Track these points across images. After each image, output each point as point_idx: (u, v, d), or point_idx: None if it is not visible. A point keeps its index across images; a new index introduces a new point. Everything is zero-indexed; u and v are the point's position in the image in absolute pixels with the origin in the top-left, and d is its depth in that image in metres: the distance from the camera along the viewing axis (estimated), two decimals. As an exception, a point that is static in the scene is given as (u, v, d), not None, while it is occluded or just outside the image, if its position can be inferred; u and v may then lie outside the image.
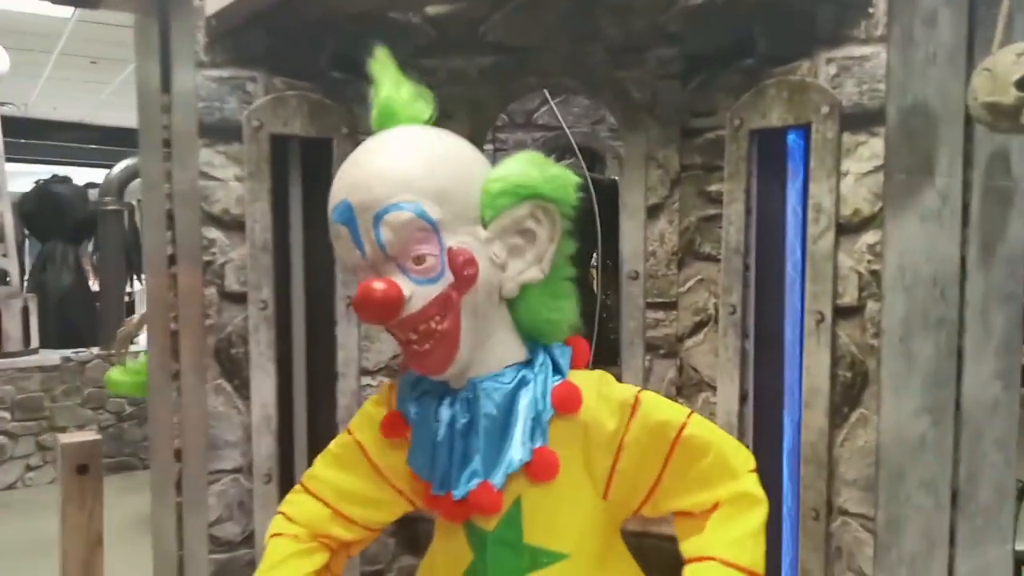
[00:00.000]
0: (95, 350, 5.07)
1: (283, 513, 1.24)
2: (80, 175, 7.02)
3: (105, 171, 5.32)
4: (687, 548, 1.07)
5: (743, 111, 1.44)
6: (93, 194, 5.54)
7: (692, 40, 1.54)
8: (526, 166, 1.07)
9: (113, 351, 2.93)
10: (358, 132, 1.63)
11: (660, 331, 1.63)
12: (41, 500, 4.68)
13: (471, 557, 1.09)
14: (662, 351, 1.63)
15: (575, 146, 2.34)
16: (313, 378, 1.65)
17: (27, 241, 7.19)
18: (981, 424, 1.48)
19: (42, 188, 6.02)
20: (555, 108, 2.35)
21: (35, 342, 5.01)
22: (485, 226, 1.06)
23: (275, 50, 1.54)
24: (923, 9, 1.28)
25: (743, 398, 1.50)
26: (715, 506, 1.05)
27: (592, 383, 1.09)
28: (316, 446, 1.65)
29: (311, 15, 1.56)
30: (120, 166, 5.17)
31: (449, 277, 1.02)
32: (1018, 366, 1.57)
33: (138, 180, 5.42)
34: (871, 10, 1.25)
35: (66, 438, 2.61)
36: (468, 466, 1.06)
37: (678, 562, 1.10)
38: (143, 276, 6.07)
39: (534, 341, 1.12)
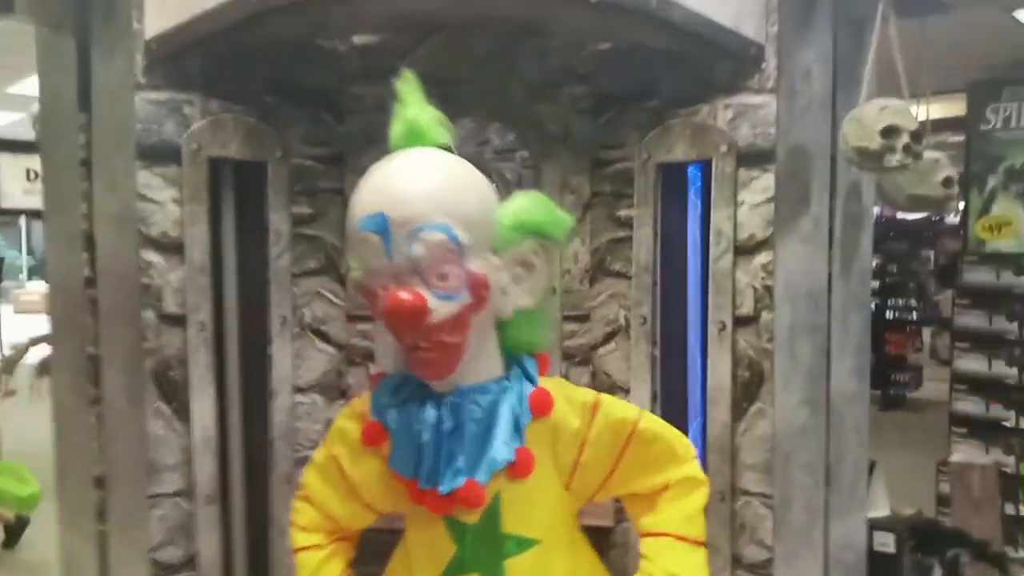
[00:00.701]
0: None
1: (296, 525, 1.34)
2: None
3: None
4: (643, 524, 1.25)
5: (651, 146, 1.64)
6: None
7: (602, 80, 1.72)
8: (535, 206, 1.20)
9: None
10: (291, 155, 1.69)
11: (575, 341, 1.80)
12: None
13: (454, 549, 1.20)
14: (577, 359, 1.80)
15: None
16: (248, 397, 1.67)
17: None
18: (843, 412, 1.76)
19: None
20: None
21: None
22: (496, 254, 1.17)
23: (211, 74, 1.57)
24: (801, 66, 1.53)
25: (653, 398, 1.70)
26: (665, 487, 1.22)
27: (558, 388, 1.24)
28: (253, 464, 1.69)
29: (244, 41, 1.59)
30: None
31: (467, 297, 1.12)
32: (868, 363, 1.88)
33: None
34: (763, 66, 1.48)
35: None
36: (452, 464, 1.17)
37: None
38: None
39: (508, 354, 1.24)
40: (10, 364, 2.73)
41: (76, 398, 1.76)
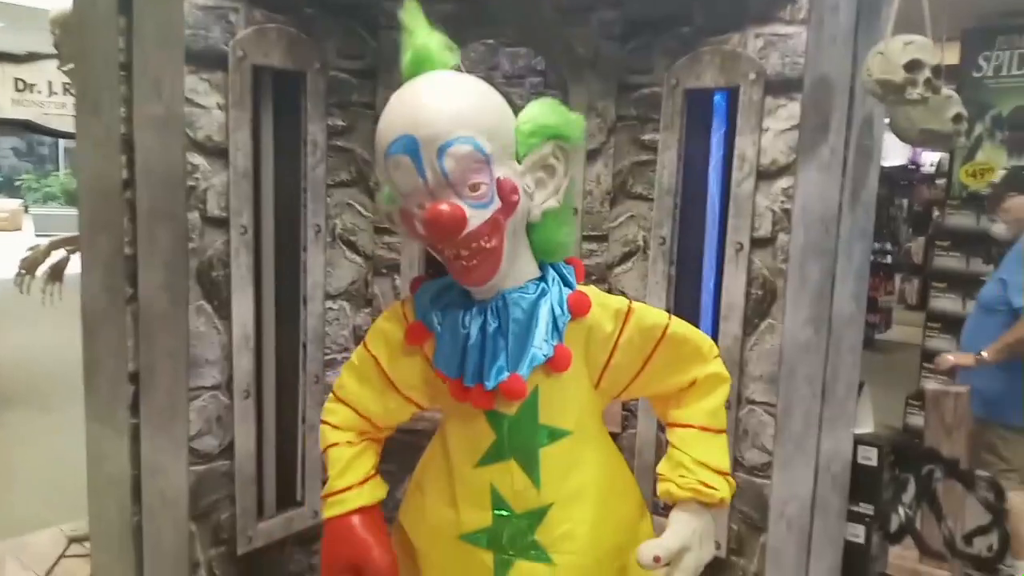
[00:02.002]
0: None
1: (328, 423, 1.40)
2: None
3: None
4: (671, 417, 1.35)
5: (680, 72, 1.70)
6: None
7: (634, 6, 1.76)
8: (551, 110, 1.26)
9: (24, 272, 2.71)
10: (328, 67, 1.72)
11: (593, 260, 1.88)
12: None
13: (492, 437, 1.30)
14: (594, 278, 1.89)
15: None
16: (282, 301, 1.74)
17: None
18: (841, 332, 1.87)
19: None
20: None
21: None
22: (519, 161, 1.24)
23: (255, -18, 1.59)
24: (829, 0, 1.59)
25: (669, 313, 1.80)
26: (692, 383, 1.33)
27: (592, 294, 1.32)
28: (285, 364, 1.77)
29: (286, -50, 1.62)
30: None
31: (497, 203, 1.19)
32: (866, 289, 1.99)
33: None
34: (796, -2, 1.54)
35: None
36: (496, 362, 1.26)
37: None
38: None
39: (542, 260, 1.32)
40: (31, 264, 2.74)
41: (109, 297, 1.81)
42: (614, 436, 1.83)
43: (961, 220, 4.06)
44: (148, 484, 1.77)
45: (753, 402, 1.68)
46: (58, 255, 2.81)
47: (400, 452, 1.64)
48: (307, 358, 1.78)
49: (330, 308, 1.82)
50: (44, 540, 2.69)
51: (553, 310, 1.27)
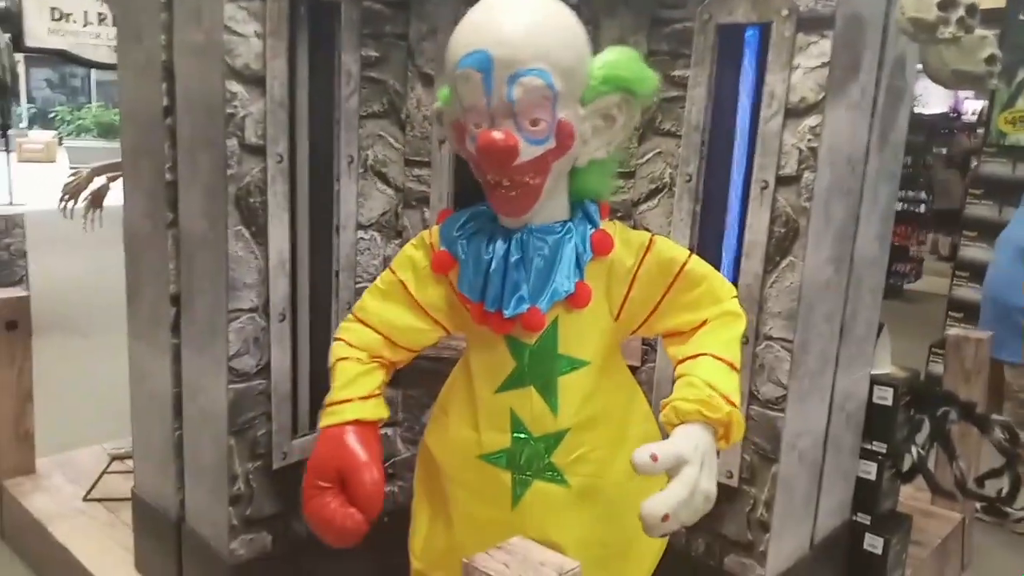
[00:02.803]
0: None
1: (342, 340, 1.45)
2: None
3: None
4: (685, 349, 1.33)
5: (712, 7, 1.69)
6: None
7: (667, -61, 1.75)
8: (629, 61, 1.27)
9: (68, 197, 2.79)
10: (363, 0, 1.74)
11: (618, 197, 1.91)
12: None
13: (513, 364, 1.35)
14: (619, 214, 1.92)
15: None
16: (316, 229, 1.80)
17: None
18: (863, 274, 1.90)
19: None
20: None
21: None
22: (583, 104, 1.25)
23: (290, -91, 1.60)
24: (866, -65, 1.57)
25: (690, 251, 1.82)
26: (703, 323, 1.36)
27: (616, 230, 1.36)
28: (318, 290, 1.84)
29: None
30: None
31: (552, 143, 1.22)
32: (890, 231, 2.01)
33: (-10, 27, 4.92)
34: (832, -69, 1.52)
35: (-10, 294, 2.58)
36: (516, 292, 1.30)
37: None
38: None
39: (573, 199, 1.35)
40: (74, 190, 2.83)
41: (151, 223, 1.88)
42: (633, 369, 1.88)
43: (996, 168, 3.99)
44: (189, 401, 1.87)
45: (770, 338, 1.71)
46: (99, 182, 2.89)
47: (426, 379, 1.72)
48: (339, 285, 1.85)
49: (362, 238, 1.88)
50: (87, 457, 2.84)
51: (576, 248, 1.31)
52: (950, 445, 2.26)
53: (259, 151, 1.64)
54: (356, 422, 1.36)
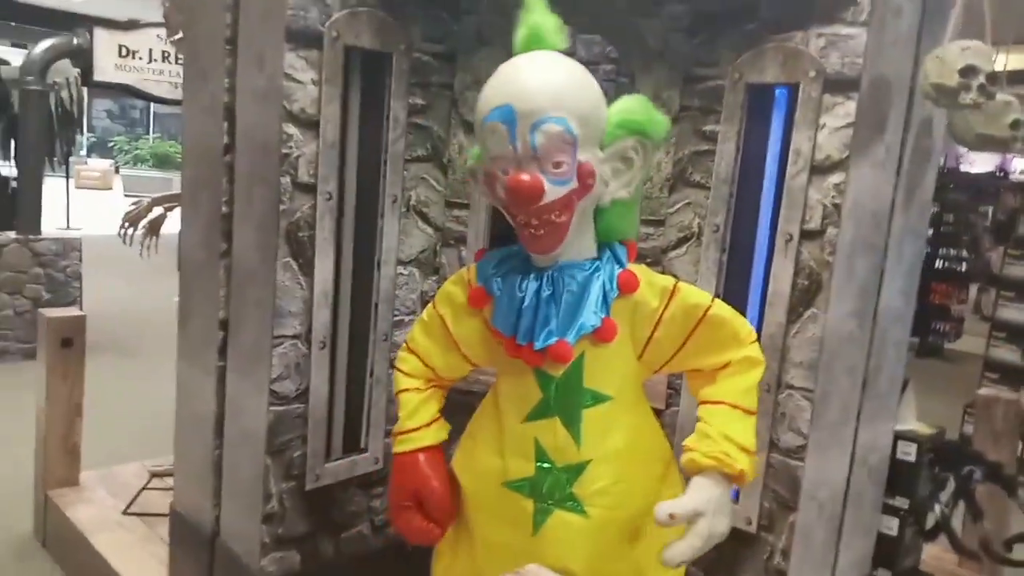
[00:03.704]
0: (12, 234, 4.95)
1: (400, 370, 1.58)
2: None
3: (18, 49, 5.05)
4: (702, 394, 1.44)
5: (743, 67, 1.78)
6: (6, 71, 5.26)
7: (702, 1, 1.85)
8: (641, 107, 1.37)
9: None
10: (412, 49, 1.86)
11: (649, 244, 1.98)
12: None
13: (540, 395, 1.43)
14: (648, 260, 1.99)
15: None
16: (359, 263, 1.90)
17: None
18: (888, 328, 1.93)
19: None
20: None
21: (-54, 221, 4.83)
22: (602, 149, 1.35)
23: (349, -31, 1.73)
24: (893, 3, 1.65)
25: (713, 296, 1.89)
26: (726, 365, 1.42)
27: (642, 272, 1.43)
28: (357, 321, 1.93)
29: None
30: (43, 46, 4.91)
31: (575, 183, 1.31)
32: (916, 288, 2.04)
33: (62, 62, 5.22)
34: (858, 0, 1.60)
35: (50, 312, 2.73)
36: (547, 326, 1.38)
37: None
38: (59, 160, 5.81)
39: (601, 240, 1.44)
40: (135, 219, 3.00)
41: (206, 252, 2.00)
42: (658, 412, 1.93)
43: (1036, 230, 3.99)
44: (230, 421, 1.96)
45: (792, 387, 1.76)
46: (157, 211, 3.06)
47: (457, 410, 1.79)
48: (378, 317, 1.94)
49: (401, 273, 1.97)
50: (128, 472, 2.95)
51: (604, 285, 1.39)
52: (975, 505, 2.25)
53: (310, 189, 1.75)
54: (424, 448, 1.53)
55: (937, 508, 2.20)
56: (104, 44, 5.14)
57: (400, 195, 1.92)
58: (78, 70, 5.25)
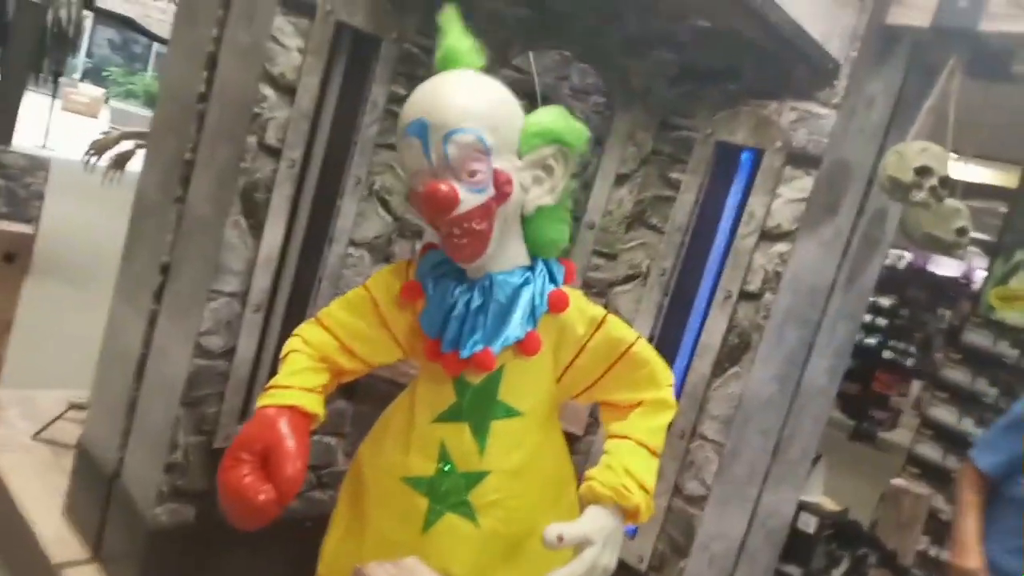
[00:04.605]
0: (-20, 140, 4.89)
1: (299, 336, 1.51)
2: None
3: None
4: (612, 428, 1.46)
5: (716, 124, 1.83)
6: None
7: (692, 54, 1.90)
8: (557, 117, 1.40)
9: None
10: (404, 39, 1.88)
11: (598, 275, 2.02)
12: None
13: (454, 399, 1.44)
14: (595, 290, 2.03)
15: (538, 95, 2.66)
16: (310, 236, 1.90)
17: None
18: (808, 401, 1.99)
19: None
20: (531, 56, 2.65)
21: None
22: (520, 157, 1.38)
23: (356, -53, 1.75)
24: (867, 93, 1.71)
25: (650, 340, 1.93)
26: (639, 403, 1.45)
27: (575, 297, 1.46)
28: (298, 292, 1.94)
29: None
30: (50, -40, 4.88)
31: (491, 191, 1.34)
32: (844, 367, 2.10)
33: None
34: (835, 83, 1.66)
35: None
36: (473, 336, 1.40)
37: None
38: (44, 78, 5.71)
39: (535, 255, 1.46)
40: (101, 147, 2.97)
41: (161, 194, 2.00)
42: (575, 438, 1.97)
43: (978, 338, 4.10)
44: (152, 366, 1.95)
45: (704, 437, 1.80)
46: (126, 145, 3.03)
47: (380, 399, 1.79)
48: (319, 292, 1.95)
49: (351, 253, 1.98)
50: (48, 399, 2.89)
51: (534, 299, 1.42)
52: (865, 589, 2.31)
53: (275, 153, 1.75)
54: (293, 408, 1.35)
55: (825, 584, 2.26)
56: (113, -27, 5.09)
57: (364, 178, 1.93)
58: (83, -7, 5.20)
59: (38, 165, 5.17)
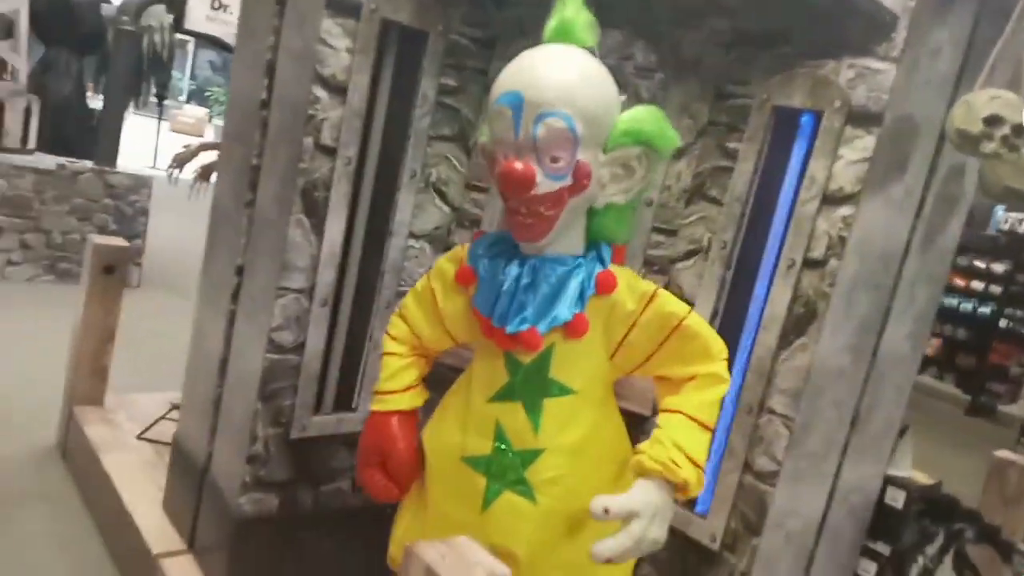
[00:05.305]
0: (89, 164, 5.23)
1: (388, 334, 1.64)
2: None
3: (120, -11, 5.35)
4: (664, 403, 1.45)
5: (772, 89, 1.77)
6: (106, 8, 5.55)
7: (744, 19, 1.84)
8: (652, 120, 1.38)
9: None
10: (450, 32, 1.91)
11: (658, 252, 1.99)
12: (15, 295, 4.89)
13: (507, 379, 1.46)
14: (656, 268, 2.00)
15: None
16: (371, 231, 1.96)
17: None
18: (887, 369, 1.90)
19: (57, -9, 5.94)
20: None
21: (32, 143, 5.12)
22: (604, 151, 1.37)
23: (398, -55, 1.78)
24: (932, 43, 1.62)
25: (714, 315, 1.89)
26: (692, 378, 1.43)
27: (624, 275, 1.45)
28: (363, 286, 2.00)
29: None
30: (141, -12, 5.19)
31: (569, 180, 1.33)
32: (927, 333, 2.00)
33: (157, 7, 5.47)
34: (893, 35, 1.58)
35: (97, 239, 2.88)
36: (521, 313, 1.41)
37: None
38: (143, 101, 6.06)
39: (591, 239, 1.46)
40: (181, 160, 3.14)
41: (234, 200, 2.10)
42: (641, 418, 1.95)
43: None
44: (232, 364, 2.06)
45: (773, 412, 1.75)
46: (209, 156, 3.18)
47: (446, 386, 1.83)
48: (383, 285, 2.00)
49: (411, 246, 2.03)
50: (151, 402, 3.10)
51: (583, 283, 1.41)
52: (968, 566, 2.19)
53: (331, 152, 1.81)
54: (398, 412, 1.59)
55: (921, 560, 2.15)
56: (197, -5, 5.38)
57: (420, 170, 1.97)
58: (171, 16, 5.49)
59: (142, 183, 5.52)
